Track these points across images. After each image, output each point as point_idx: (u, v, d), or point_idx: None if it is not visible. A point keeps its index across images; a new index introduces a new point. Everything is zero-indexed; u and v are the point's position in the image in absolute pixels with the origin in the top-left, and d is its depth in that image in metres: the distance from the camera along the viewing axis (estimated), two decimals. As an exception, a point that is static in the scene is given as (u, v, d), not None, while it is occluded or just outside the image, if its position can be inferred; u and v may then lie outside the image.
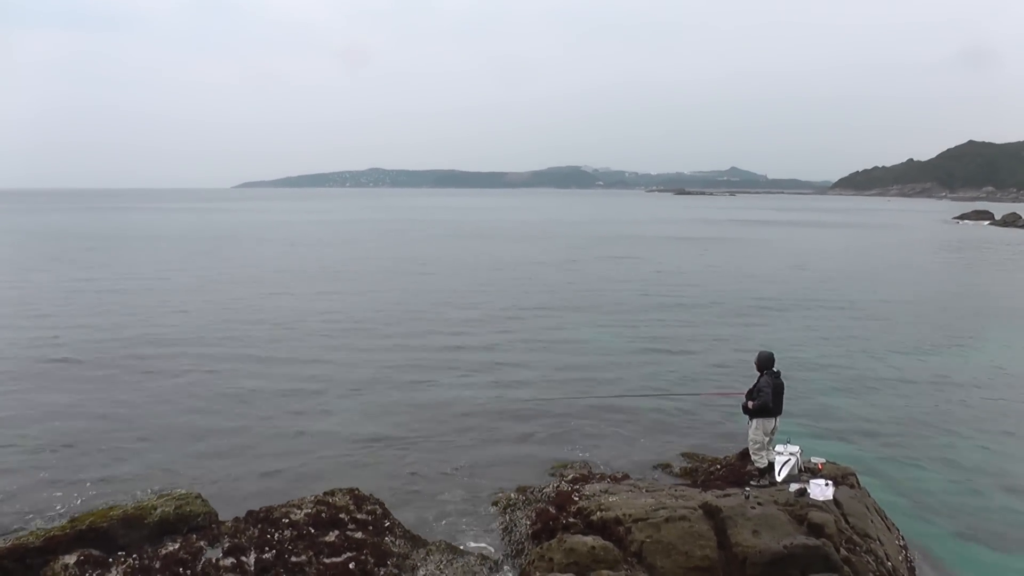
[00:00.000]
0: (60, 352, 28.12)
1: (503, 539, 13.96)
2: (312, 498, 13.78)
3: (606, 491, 14.15)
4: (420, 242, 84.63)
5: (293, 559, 11.89)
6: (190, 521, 12.88)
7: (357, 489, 14.34)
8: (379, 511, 13.73)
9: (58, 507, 15.06)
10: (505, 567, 12.93)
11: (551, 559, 11.73)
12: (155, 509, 12.91)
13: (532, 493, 15.35)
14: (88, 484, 16.27)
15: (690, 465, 17.35)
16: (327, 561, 11.96)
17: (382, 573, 11.96)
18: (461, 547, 13.45)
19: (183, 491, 13.78)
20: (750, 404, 14.36)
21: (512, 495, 15.46)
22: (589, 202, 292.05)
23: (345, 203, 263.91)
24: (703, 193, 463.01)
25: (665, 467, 17.55)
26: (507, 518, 14.56)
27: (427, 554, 12.84)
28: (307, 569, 11.72)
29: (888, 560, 12.44)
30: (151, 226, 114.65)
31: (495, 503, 15.35)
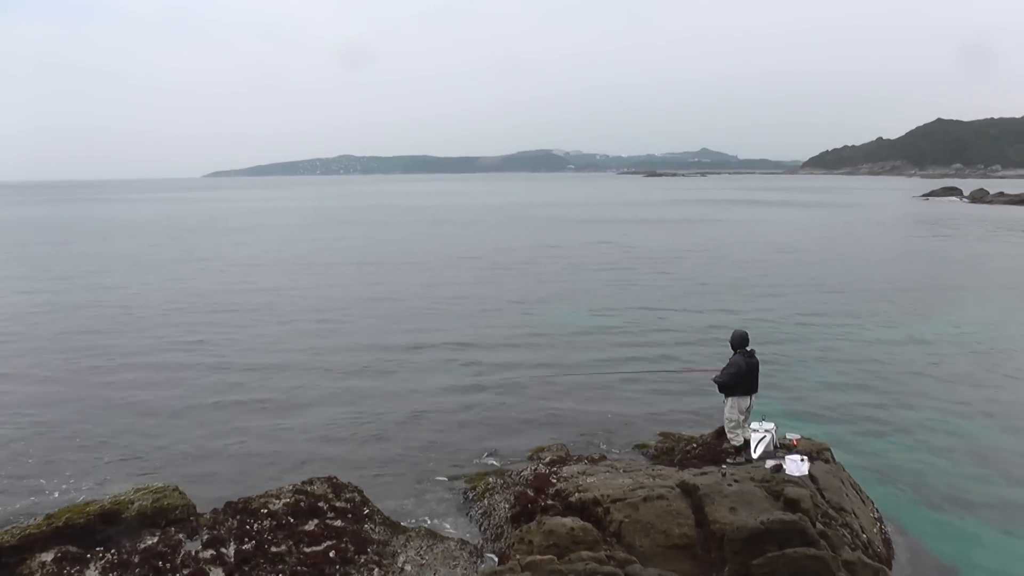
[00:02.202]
0: (29, 348, 27.81)
1: (482, 523, 14.01)
2: (290, 487, 13.75)
3: (584, 472, 14.24)
4: (389, 228, 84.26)
5: (273, 549, 11.86)
6: (168, 514, 12.81)
7: (335, 477, 14.34)
8: (358, 499, 13.74)
9: (33, 504, 14.92)
10: (485, 551, 12.99)
11: (531, 542, 11.80)
12: (132, 503, 12.83)
13: (510, 476, 15.39)
14: (63, 480, 16.13)
15: (667, 444, 17.46)
16: (307, 550, 11.95)
17: (362, 561, 11.97)
18: (440, 532, 13.49)
19: (160, 484, 13.68)
20: (716, 379, 14.53)
21: (490, 479, 15.50)
22: (560, 186, 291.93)
23: (315, 190, 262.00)
24: (674, 175, 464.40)
25: (642, 447, 17.66)
26: (486, 502, 14.60)
27: (407, 540, 12.86)
28: (287, 559, 11.71)
29: (863, 532, 12.65)
30: (122, 218, 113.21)
31: (473, 488, 15.38)
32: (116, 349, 27.33)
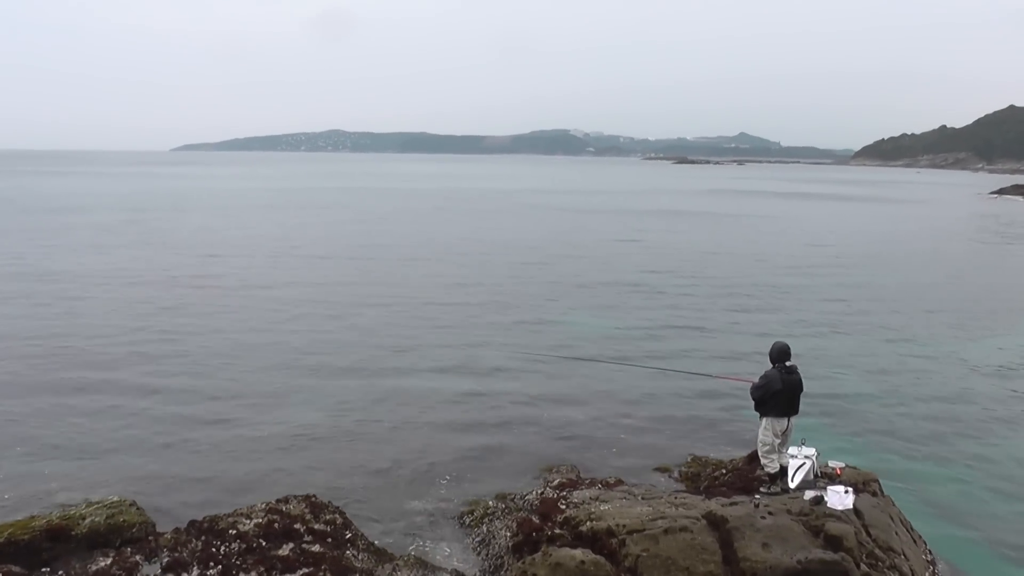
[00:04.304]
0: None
1: (480, 553, 14.02)
2: (263, 506, 13.76)
3: (597, 498, 14.23)
4: (381, 216, 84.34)
5: (241, 575, 11.89)
6: (124, 532, 12.84)
7: (314, 496, 14.35)
8: (339, 521, 13.75)
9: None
10: (483, 584, 13.01)
11: (535, 575, 11.81)
12: (83, 519, 12.86)
13: (513, 500, 15.42)
14: (5, 491, 16.17)
15: (692, 469, 17.47)
16: (280, 578, 11.97)
17: (343, 591, 12.00)
18: (432, 562, 13.49)
19: (116, 498, 13.72)
20: (752, 395, 14.47)
21: (490, 503, 15.52)
22: (578, 171, 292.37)
23: (297, 169, 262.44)
24: (708, 162, 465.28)
25: (664, 471, 17.67)
26: (484, 529, 14.62)
27: (394, 570, 12.88)
28: (258, 587, 11.74)
29: (913, 576, 12.64)
30: (75, 194, 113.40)
31: (471, 512, 15.39)
32: (67, 346, 27.35)
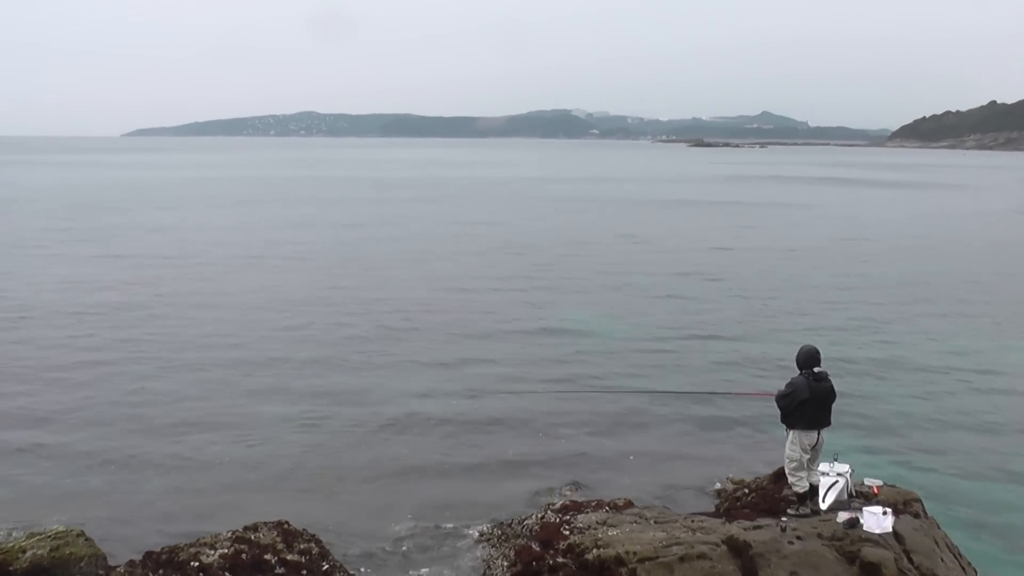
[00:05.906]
0: None
1: (474, 585, 14.05)
2: (229, 534, 13.73)
3: (604, 522, 14.22)
4: (361, 210, 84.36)
5: (205, 613, 11.88)
6: (71, 566, 12.79)
7: (286, 522, 14.33)
8: (315, 550, 13.73)
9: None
10: (477, 620, 13.02)
11: (535, 609, 11.81)
12: (24, 552, 12.81)
13: (510, 526, 15.40)
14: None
15: (711, 489, 17.48)
16: (249, 615, 11.96)
17: (319, 629, 11.99)
18: (420, 595, 13.53)
19: (61, 528, 13.68)
20: (777, 404, 14.39)
21: (485, 528, 15.53)
22: (581, 155, 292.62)
23: (259, 156, 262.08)
24: (727, 145, 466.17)
25: (679, 491, 17.67)
26: (479, 557, 14.62)
27: (377, 605, 12.89)
28: (223, 625, 11.72)
29: (960, 607, 12.64)
30: (6, 186, 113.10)
31: (463, 539, 15.40)
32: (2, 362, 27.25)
